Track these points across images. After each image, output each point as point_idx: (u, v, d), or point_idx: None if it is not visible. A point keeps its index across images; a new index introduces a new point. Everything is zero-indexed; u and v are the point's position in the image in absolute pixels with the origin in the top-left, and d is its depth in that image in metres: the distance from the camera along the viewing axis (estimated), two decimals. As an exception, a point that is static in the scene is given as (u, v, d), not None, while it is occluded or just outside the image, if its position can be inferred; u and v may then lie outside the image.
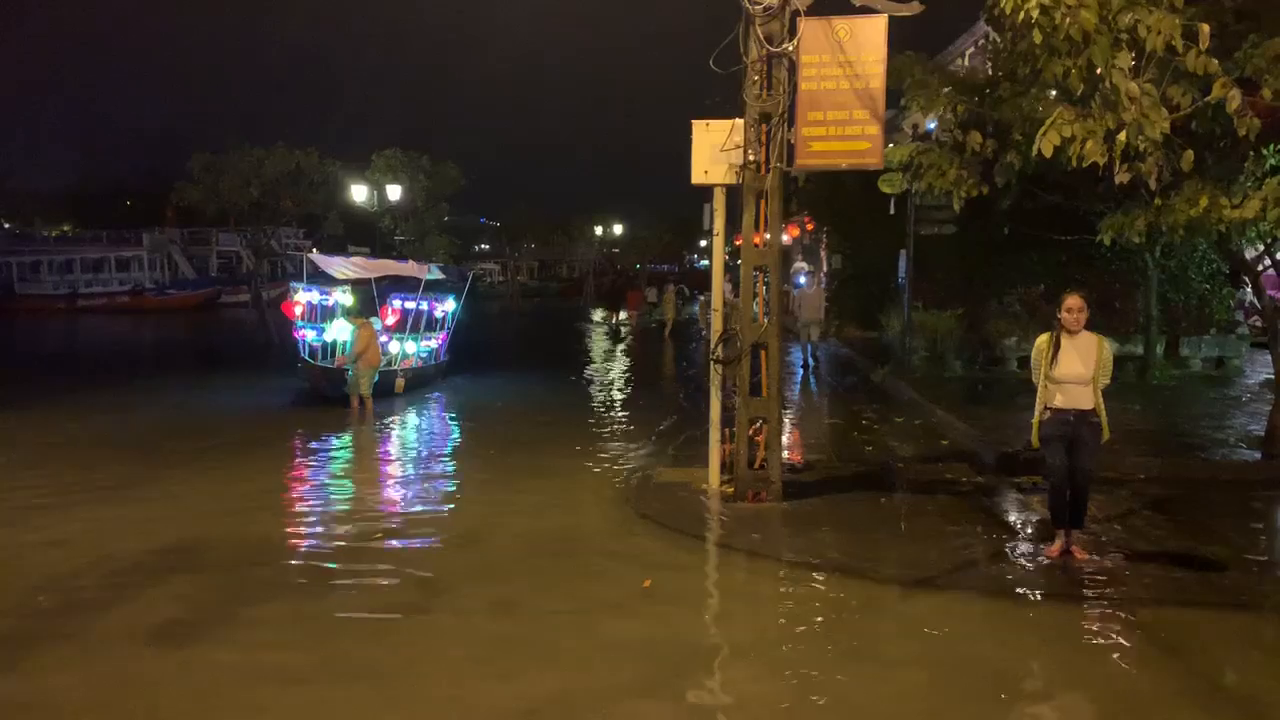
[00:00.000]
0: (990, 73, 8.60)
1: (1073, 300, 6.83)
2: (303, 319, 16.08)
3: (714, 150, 8.50)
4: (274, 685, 5.03)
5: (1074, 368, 6.79)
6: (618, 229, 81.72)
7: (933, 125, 10.15)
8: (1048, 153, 6.38)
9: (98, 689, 4.99)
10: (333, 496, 9.64)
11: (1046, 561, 6.91)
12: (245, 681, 5.07)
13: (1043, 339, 7.00)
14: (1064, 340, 6.82)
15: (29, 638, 5.61)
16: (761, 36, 8.01)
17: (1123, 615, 5.95)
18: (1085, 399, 6.83)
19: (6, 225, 61.09)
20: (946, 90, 8.06)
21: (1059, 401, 6.88)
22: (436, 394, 15.91)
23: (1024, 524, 8.02)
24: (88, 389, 17.44)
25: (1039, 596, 6.31)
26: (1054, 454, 6.91)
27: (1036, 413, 7.01)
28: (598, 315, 40.42)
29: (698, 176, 8.69)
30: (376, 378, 14.17)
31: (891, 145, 8.39)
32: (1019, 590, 6.42)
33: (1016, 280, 17.56)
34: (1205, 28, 5.87)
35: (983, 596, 6.34)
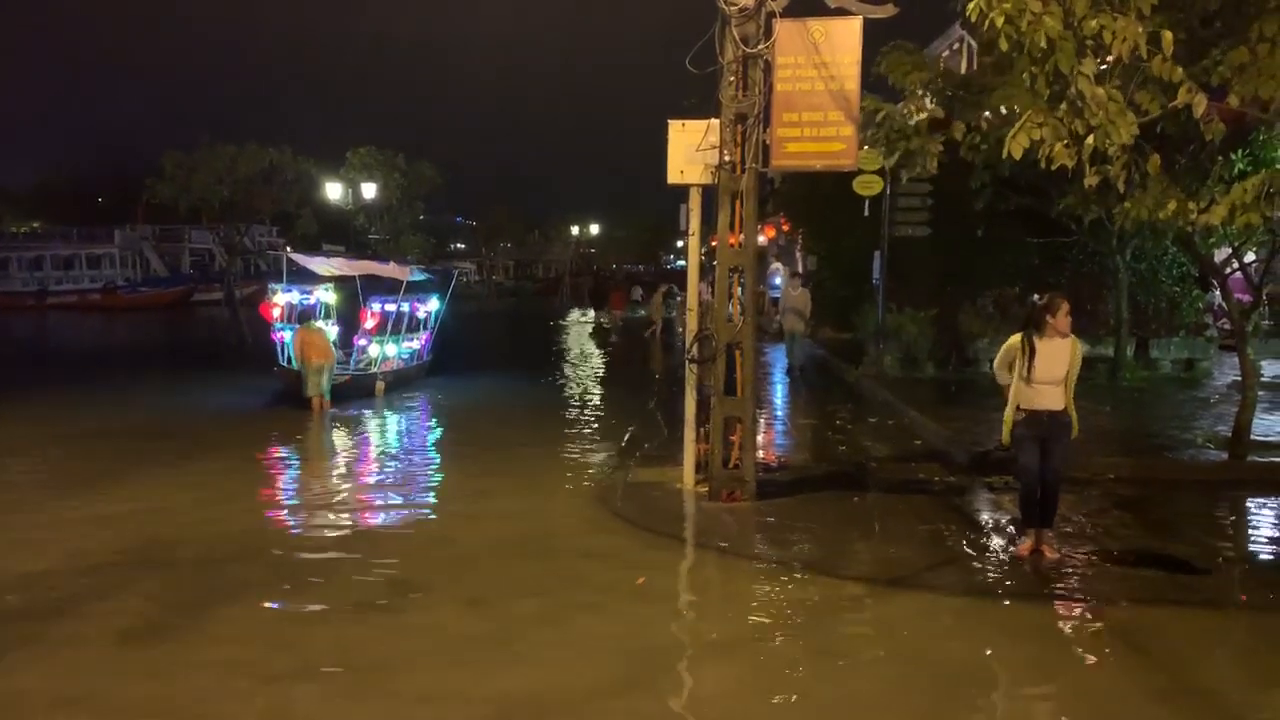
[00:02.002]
0: (965, 71, 8.66)
1: (1066, 305, 6.85)
2: (281, 320, 15.94)
3: (690, 150, 8.52)
4: (244, 684, 5.00)
5: (1050, 370, 6.84)
6: (594, 229, 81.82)
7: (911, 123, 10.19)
8: (1017, 154, 6.44)
9: (66, 689, 4.94)
10: (303, 496, 9.58)
11: (1016, 560, 6.97)
12: (215, 680, 5.04)
13: (1016, 339, 7.02)
14: (1039, 343, 6.86)
15: (-5, 638, 5.55)
16: (737, 37, 8.03)
17: (1091, 613, 6.01)
18: (1058, 399, 6.90)
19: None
20: (927, 74, 8.09)
21: (1032, 402, 6.92)
22: (418, 394, 15.82)
23: (994, 523, 8.08)
24: (58, 388, 17.25)
25: (1009, 595, 6.36)
26: (1026, 454, 6.97)
27: (1008, 413, 7.06)
28: (575, 315, 40.36)
29: (674, 176, 8.71)
30: (330, 378, 14.00)
31: (865, 150, 8.40)
32: (989, 589, 6.48)
33: (990, 282, 17.71)
34: (1169, 35, 5.94)
35: (954, 595, 6.38)
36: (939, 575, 6.75)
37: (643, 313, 33.86)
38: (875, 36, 8.10)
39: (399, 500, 9.16)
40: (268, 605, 6.17)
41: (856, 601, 6.34)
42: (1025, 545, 7.08)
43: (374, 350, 15.83)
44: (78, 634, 5.64)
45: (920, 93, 8.20)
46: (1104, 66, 6.28)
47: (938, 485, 9.34)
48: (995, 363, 7.27)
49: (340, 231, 37.18)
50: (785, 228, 31.85)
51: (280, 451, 11.64)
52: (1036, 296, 7.43)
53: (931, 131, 7.92)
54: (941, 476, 9.61)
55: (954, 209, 15.65)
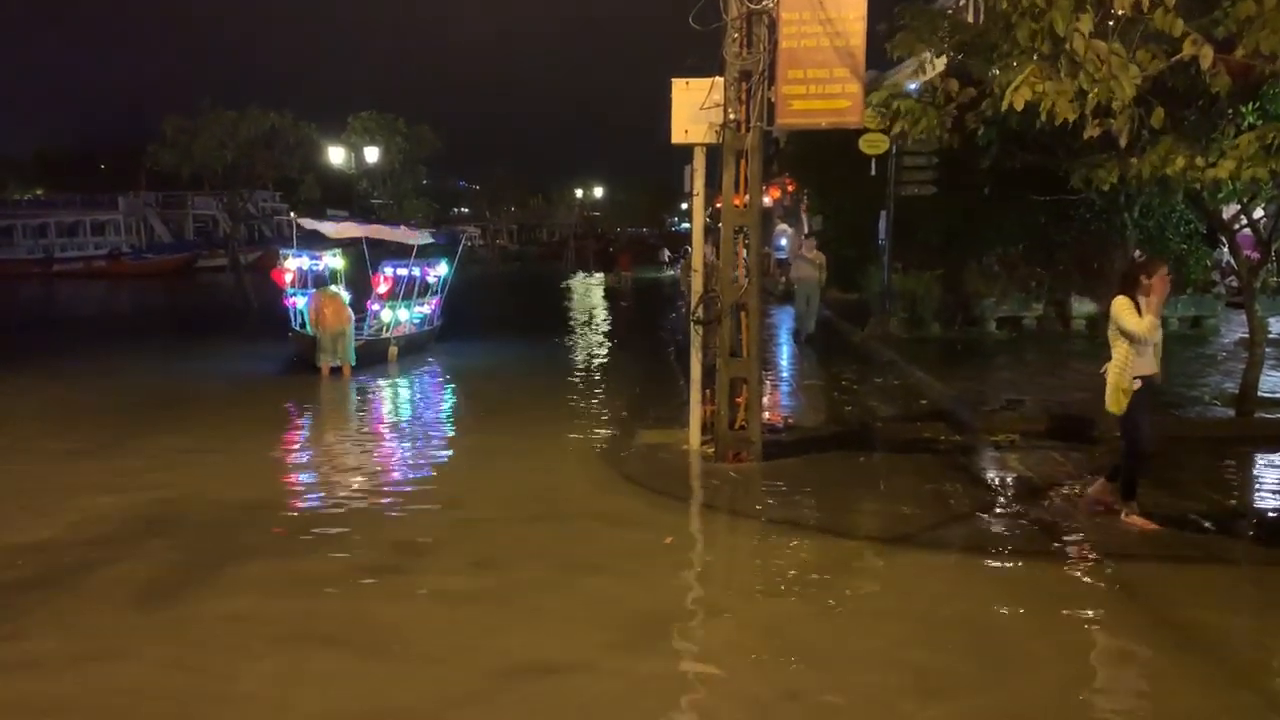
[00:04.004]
0: (975, 22, 8.54)
1: (1164, 268, 6.71)
2: (292, 286, 15.90)
3: (694, 109, 8.44)
4: (255, 644, 5.06)
5: (1156, 334, 6.71)
6: (598, 192, 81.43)
7: (914, 86, 10.07)
8: (1018, 106, 6.37)
9: (83, 650, 5.00)
10: (312, 461, 9.63)
11: (1127, 528, 6.71)
12: (227, 642, 5.09)
13: (1128, 302, 6.70)
14: (1142, 306, 6.63)
15: (11, 600, 5.60)
16: (741, -7, 7.93)
17: (1099, 570, 6.04)
18: (1156, 362, 6.79)
19: (-22, 189, 60.20)
20: (940, 33, 7.98)
21: (1142, 368, 6.70)
22: (429, 359, 15.83)
23: (1001, 482, 8.09)
24: (67, 355, 17.28)
25: (1016, 552, 6.39)
26: (1147, 422, 6.76)
27: (1125, 380, 6.70)
28: (580, 278, 40.27)
29: (678, 136, 8.64)
30: (353, 344, 14.04)
31: (869, 110, 8.32)
32: (996, 546, 6.50)
33: (995, 241, 17.61)
34: (1171, -14, 5.85)
35: (960, 552, 6.41)
36: (945, 533, 6.77)
37: (669, 274, 33.69)
38: (881, -8, 7.99)
39: (409, 464, 9.20)
40: (278, 568, 6.21)
41: (863, 560, 6.37)
42: (1135, 517, 6.77)
43: (386, 315, 15.80)
44: (92, 597, 5.70)
45: (930, 57, 8.10)
46: (1110, 23, 6.20)
47: (943, 445, 9.35)
48: (1130, 325, 6.66)
49: (343, 196, 37.06)
50: (790, 188, 31.65)
51: (292, 416, 11.68)
52: (1137, 253, 7.23)
53: (946, 104, 7.82)
54: (947, 436, 9.62)
55: (960, 167, 15.52)
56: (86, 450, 9.53)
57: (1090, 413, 9.23)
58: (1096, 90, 6.14)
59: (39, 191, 62.60)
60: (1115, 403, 6.78)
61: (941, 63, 8.72)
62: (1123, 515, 6.81)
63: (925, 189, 17.42)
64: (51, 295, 35.96)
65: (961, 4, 9.02)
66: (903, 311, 17.12)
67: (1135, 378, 6.71)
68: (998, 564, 6.23)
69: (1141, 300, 6.67)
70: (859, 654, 4.96)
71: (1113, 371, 6.79)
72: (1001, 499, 7.60)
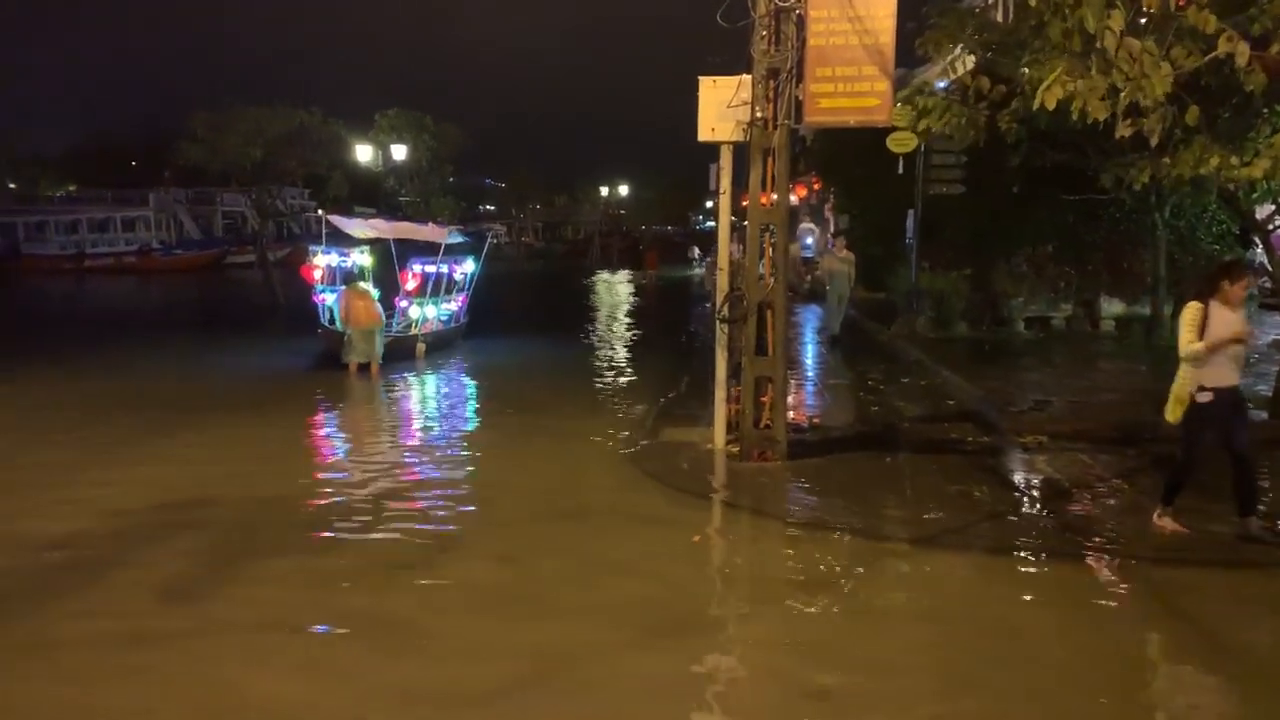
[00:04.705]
0: (1004, 20, 8.48)
1: (1247, 275, 6.46)
2: (322, 283, 15.99)
3: (721, 107, 8.42)
4: (280, 637, 5.10)
5: (1244, 338, 6.40)
6: (623, 190, 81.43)
7: (943, 85, 10.02)
8: (1050, 105, 6.31)
9: (109, 642, 5.05)
10: (339, 457, 9.70)
11: (1158, 531, 6.58)
12: (253, 634, 5.13)
13: (1196, 308, 6.38)
14: (1216, 311, 6.30)
15: (40, 594, 5.66)
16: (769, -9, 7.90)
17: (1127, 573, 5.98)
18: (1237, 373, 6.47)
19: (12, 186, 60.84)
20: (969, 31, 7.92)
21: (1218, 379, 6.35)
22: (455, 356, 15.89)
23: (1029, 484, 8.03)
24: (97, 349, 17.45)
25: (1043, 554, 6.32)
26: (1211, 432, 6.48)
27: (1185, 390, 6.42)
28: (604, 275, 40.29)
29: (704, 134, 8.62)
30: (382, 341, 14.11)
31: (898, 106, 8.27)
32: (1022, 548, 6.44)
33: (1024, 240, 17.47)
34: (1204, -16, 5.78)
35: (988, 555, 6.36)
36: (972, 535, 6.72)
37: (695, 272, 33.59)
38: (910, -12, 7.94)
39: (435, 460, 9.23)
40: (304, 562, 6.25)
41: (889, 561, 6.33)
42: (1167, 519, 6.61)
43: (414, 312, 15.87)
44: (119, 589, 5.75)
45: (958, 54, 8.05)
46: (1143, 20, 6.14)
47: (970, 446, 9.28)
48: (1181, 341, 6.40)
49: (371, 194, 37.29)
50: (816, 186, 31.55)
51: (320, 413, 11.75)
52: (1228, 257, 6.97)
53: (977, 102, 7.76)
54: (975, 437, 9.54)
55: (989, 166, 15.41)
56: (116, 443, 9.62)
57: (1119, 414, 9.16)
58: (1128, 89, 6.08)
59: (71, 188, 63.24)
60: (1171, 412, 6.54)
61: (971, 61, 8.67)
62: (1155, 516, 6.71)
63: (953, 188, 17.32)
64: (83, 291, 36.36)
65: (990, 2, 8.94)
66: (930, 311, 17.03)
67: (1208, 389, 6.34)
68: (1025, 566, 6.18)
69: (1217, 307, 6.32)
70: (885, 655, 4.93)
71: (1177, 379, 6.50)
72: (1029, 501, 7.54)
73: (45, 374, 14.17)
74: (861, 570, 6.12)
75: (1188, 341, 6.33)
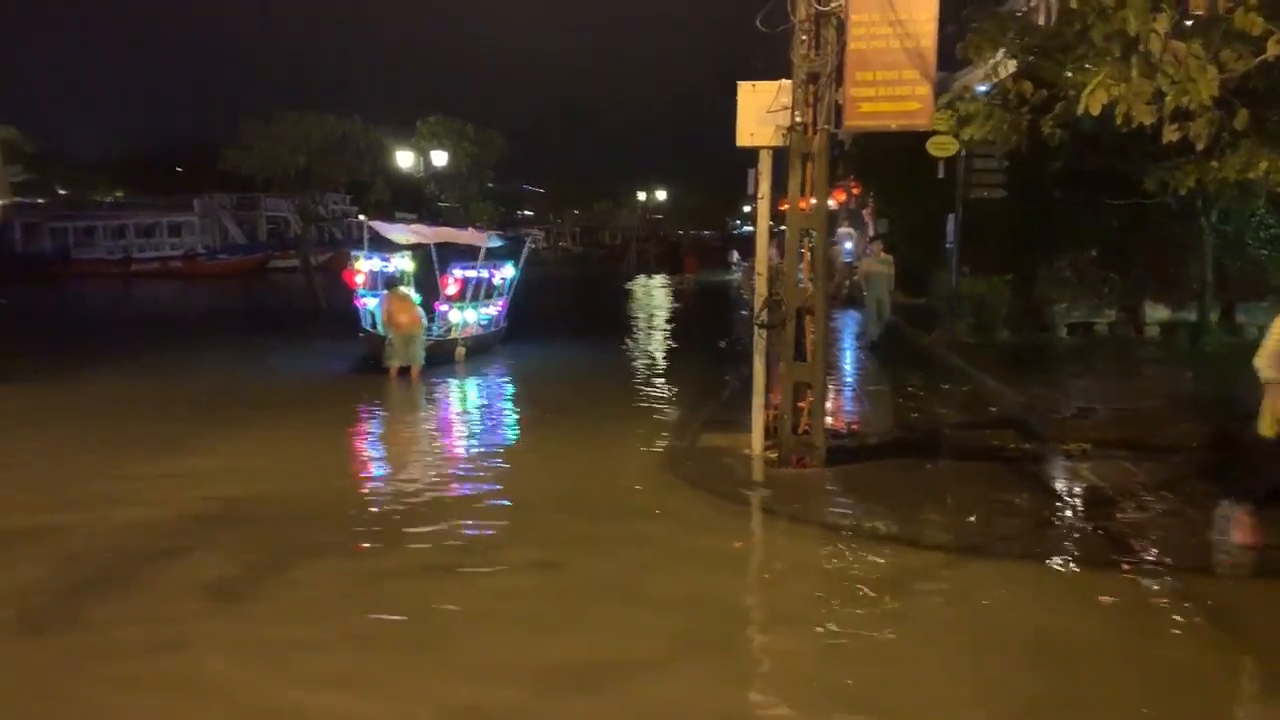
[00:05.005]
0: (1045, 24, 8.39)
1: None
2: (364, 287, 16.15)
3: (760, 112, 8.41)
4: (320, 639, 5.15)
5: None
6: (660, 195, 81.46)
7: (984, 89, 9.94)
8: (1094, 110, 6.24)
9: (158, 638, 5.14)
10: (379, 459, 9.80)
11: (1243, 548, 6.42)
12: (292, 636, 5.19)
13: None
14: None
15: (86, 593, 5.77)
16: (809, -5, 7.89)
17: (1171, 584, 5.88)
18: None
19: (62, 191, 62.05)
20: (1010, 35, 7.84)
21: None
22: (494, 360, 15.97)
23: (1072, 492, 7.93)
24: (143, 352, 17.73)
25: (1086, 564, 6.24)
26: None
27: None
28: (642, 280, 40.29)
29: (743, 139, 8.62)
30: (423, 346, 14.22)
31: (943, 111, 8.21)
32: (1068, 558, 6.36)
33: (1067, 245, 17.25)
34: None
35: (1029, 563, 6.29)
36: (1014, 543, 6.64)
37: (734, 276, 33.43)
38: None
39: (474, 464, 9.29)
40: (345, 564, 6.33)
41: (929, 569, 6.28)
42: (1244, 519, 6.40)
43: (455, 317, 15.97)
44: (166, 587, 5.85)
45: (999, 59, 7.98)
46: (1188, 23, 6.05)
47: (1012, 453, 9.18)
48: (1264, 356, 6.18)
49: (412, 199, 37.61)
50: (855, 191, 31.39)
51: (361, 416, 11.87)
52: None
53: (1020, 107, 7.68)
54: (1016, 444, 9.44)
55: (1031, 170, 15.26)
56: (162, 445, 9.77)
57: (1165, 421, 9.02)
58: (1174, 93, 6.00)
59: (119, 194, 64.37)
60: (1267, 426, 6.25)
61: (1012, 65, 8.59)
62: (1234, 510, 6.48)
63: (995, 192, 17.15)
64: (130, 294, 36.98)
65: (1032, 5, 8.87)
66: (971, 316, 16.86)
67: None
68: (1069, 576, 6.09)
69: None
70: (925, 665, 4.90)
71: (1268, 394, 6.23)
72: (1072, 509, 7.45)
73: (94, 375, 14.44)
74: (901, 578, 6.07)
75: (1266, 353, 6.10)
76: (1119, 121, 6.29)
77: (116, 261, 48.73)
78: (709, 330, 21.36)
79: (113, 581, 5.96)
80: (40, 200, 56.23)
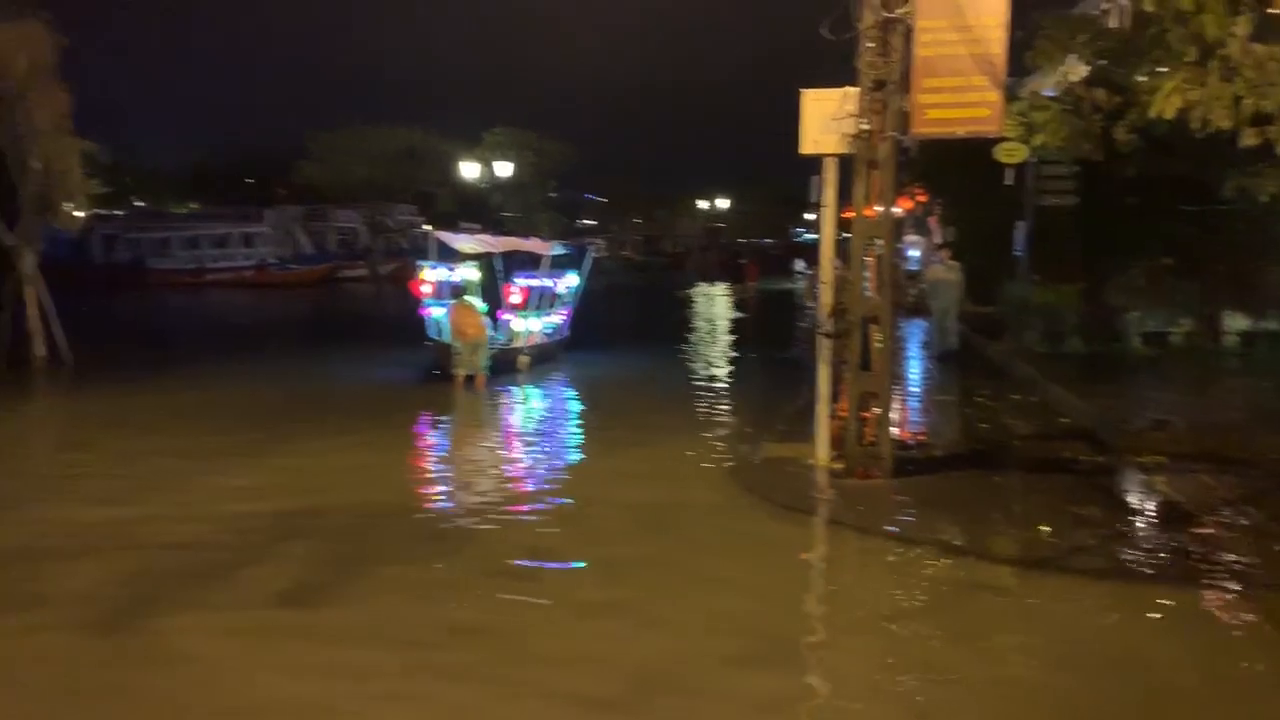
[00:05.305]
0: (1118, 26, 8.23)
1: None
2: (431, 297, 16.36)
3: (824, 120, 8.36)
4: (389, 646, 5.21)
5: None
6: (722, 203, 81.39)
7: (1052, 93, 9.77)
8: (1169, 114, 6.10)
9: (226, 645, 5.24)
10: (446, 466, 9.91)
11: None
12: (364, 642, 5.26)
13: None
14: None
15: (160, 599, 5.89)
16: (876, 2, 7.83)
17: (1250, 601, 5.70)
18: None
19: (139, 203, 63.84)
20: (1082, 39, 7.71)
21: None
22: (557, 369, 16.08)
23: (1147, 505, 7.73)
24: (215, 361, 18.16)
25: (1162, 580, 6.08)
26: None
27: None
28: (703, 289, 40.22)
29: (807, 147, 8.57)
30: (488, 354, 14.35)
31: (1014, 117, 8.09)
32: (1140, 574, 6.20)
33: (1141, 252, 16.84)
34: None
35: (1103, 579, 6.15)
36: (1087, 558, 6.50)
37: (797, 285, 33.18)
38: (1023, -2, 7.79)
39: (538, 472, 9.36)
40: (411, 572, 6.39)
41: (999, 582, 6.17)
42: None
43: (519, 325, 16.10)
44: (235, 595, 5.96)
45: (1069, 64, 7.85)
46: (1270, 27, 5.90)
47: (1085, 465, 8.98)
48: None
49: (476, 209, 38.08)
50: (921, 199, 31.01)
51: (427, 424, 12.03)
52: None
53: (1093, 113, 7.55)
54: (1089, 456, 9.24)
55: (1103, 176, 14.92)
56: (234, 451, 9.97)
57: (1245, 434, 8.75)
58: (1254, 96, 5.85)
59: (193, 205, 66.04)
60: None
61: (1083, 70, 8.44)
62: None
63: (1065, 199, 16.83)
64: (204, 303, 37.93)
65: (1104, 9, 8.69)
66: (1040, 325, 16.53)
67: None
68: (1146, 592, 5.93)
69: None
70: (992, 682, 4.81)
71: None
72: (1147, 523, 7.26)
73: (170, 383, 14.80)
74: (969, 592, 5.98)
75: None
76: (1195, 126, 6.14)
77: (190, 271, 49.94)
78: (771, 339, 21.27)
79: (187, 585, 6.09)
80: (118, 212, 57.91)
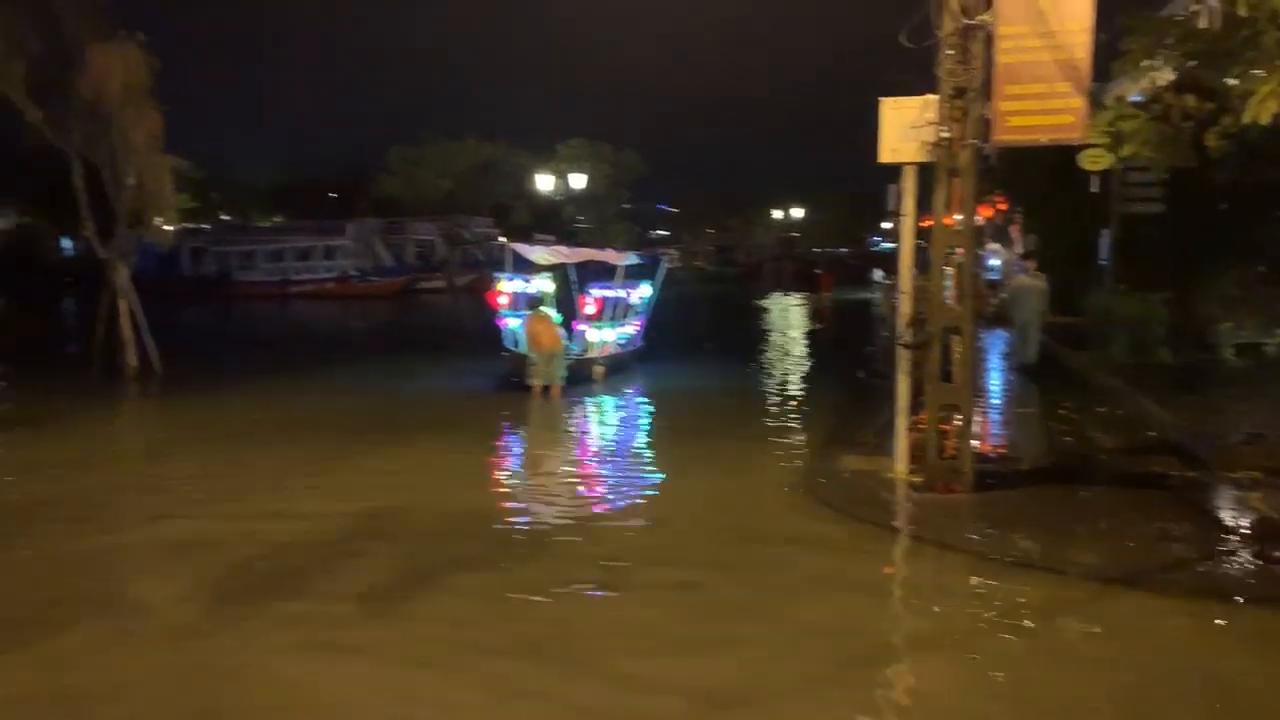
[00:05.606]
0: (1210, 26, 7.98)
1: None
2: (507, 308, 16.54)
3: (903, 128, 8.27)
4: (468, 654, 5.28)
5: None
6: (796, 213, 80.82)
7: (1137, 98, 9.53)
8: (1264, 119, 5.90)
9: (313, 641, 5.37)
10: (522, 475, 10.01)
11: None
12: (442, 648, 5.34)
13: None
14: None
15: (251, 598, 6.07)
16: (956, 9, 7.73)
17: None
18: None
19: (225, 217, 65.75)
20: (1169, 41, 7.49)
21: None
22: (631, 380, 16.12)
23: (1241, 523, 7.46)
24: (298, 370, 18.54)
25: (1253, 600, 5.86)
26: None
27: None
28: (777, 298, 39.99)
29: (885, 155, 8.48)
30: (564, 365, 14.45)
31: (1104, 124, 7.90)
32: (1231, 593, 5.98)
33: (1232, 260, 16.29)
34: None
35: (1193, 598, 5.95)
36: (1175, 576, 6.29)
37: (873, 295, 32.85)
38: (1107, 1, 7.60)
39: (614, 482, 9.39)
40: (488, 579, 6.46)
41: (1083, 601, 6.02)
42: None
43: (594, 336, 16.18)
44: (321, 597, 6.10)
45: (1153, 67, 7.64)
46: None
47: (1174, 480, 8.70)
48: None
49: (550, 221, 38.44)
50: (1002, 207, 30.44)
51: (504, 433, 12.16)
52: None
53: (1183, 120, 7.34)
54: (1179, 471, 8.95)
55: (1192, 182, 14.48)
56: (316, 457, 10.20)
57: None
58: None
59: (278, 219, 67.75)
60: None
61: (1169, 74, 8.21)
62: None
63: (1153, 206, 16.37)
64: (287, 314, 38.86)
65: (1193, 10, 8.44)
66: (1126, 336, 16.08)
67: None
68: (1242, 613, 5.73)
69: None
70: (1077, 702, 4.69)
71: None
72: (1241, 542, 7.00)
73: (255, 392, 15.18)
74: (1053, 610, 5.84)
75: None
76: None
77: (275, 283, 51.21)
78: (846, 350, 21.05)
79: (270, 588, 6.24)
80: (206, 226, 59.74)
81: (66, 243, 56.18)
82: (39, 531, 7.58)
